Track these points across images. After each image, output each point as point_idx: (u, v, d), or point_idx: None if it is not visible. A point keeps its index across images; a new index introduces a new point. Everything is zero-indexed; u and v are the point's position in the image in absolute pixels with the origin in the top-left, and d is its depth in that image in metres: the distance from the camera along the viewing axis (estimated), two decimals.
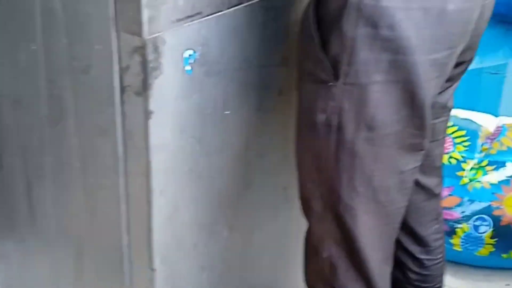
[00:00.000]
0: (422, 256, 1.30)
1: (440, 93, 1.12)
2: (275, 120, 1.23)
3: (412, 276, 1.31)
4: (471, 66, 1.18)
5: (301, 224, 1.27)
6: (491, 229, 1.84)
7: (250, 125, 1.18)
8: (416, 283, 1.32)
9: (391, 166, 1.04)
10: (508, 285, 1.93)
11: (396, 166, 1.04)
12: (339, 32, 0.96)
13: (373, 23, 0.94)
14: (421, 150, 1.05)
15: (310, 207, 1.10)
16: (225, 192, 1.18)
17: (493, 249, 1.85)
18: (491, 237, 1.84)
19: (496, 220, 1.84)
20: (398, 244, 1.26)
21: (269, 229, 1.32)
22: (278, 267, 1.41)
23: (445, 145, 1.33)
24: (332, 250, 1.08)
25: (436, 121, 1.17)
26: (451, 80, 1.13)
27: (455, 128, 1.93)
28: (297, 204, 1.31)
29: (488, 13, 1.09)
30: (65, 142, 1.09)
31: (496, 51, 3.03)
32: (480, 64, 2.51)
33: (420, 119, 1.01)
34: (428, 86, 0.99)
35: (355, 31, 0.95)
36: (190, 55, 1.01)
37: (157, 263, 1.08)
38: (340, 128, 1.00)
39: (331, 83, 0.98)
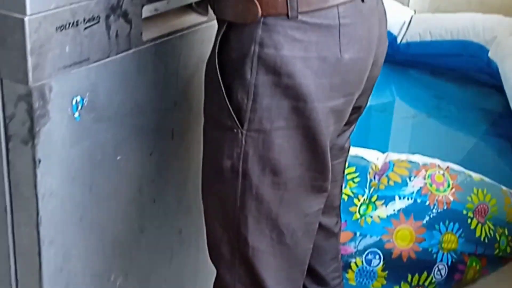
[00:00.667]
0: None
1: (338, 136, 1.16)
2: (168, 164, 1.23)
3: None
4: None
5: (197, 266, 1.27)
6: (382, 263, 1.90)
7: (143, 169, 1.17)
8: None
9: (296, 209, 1.07)
10: None
11: (301, 209, 1.07)
12: (241, 80, 0.98)
13: (274, 71, 0.97)
14: (324, 192, 1.09)
15: (219, 253, 1.10)
16: (118, 238, 1.16)
17: (385, 282, 1.91)
18: (383, 270, 1.90)
19: (387, 253, 1.90)
20: None
21: (165, 273, 1.31)
22: None
23: None
24: None
25: (335, 162, 1.20)
26: (348, 123, 1.17)
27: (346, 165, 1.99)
28: (192, 246, 1.31)
29: (381, 60, 1.14)
30: None
31: (383, 90, 3.17)
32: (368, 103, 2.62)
33: (321, 162, 1.04)
34: (327, 131, 1.03)
35: (256, 78, 0.97)
36: (77, 101, 1.00)
37: None
38: (245, 174, 1.02)
39: (235, 130, 1.00)
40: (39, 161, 0.97)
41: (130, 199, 1.17)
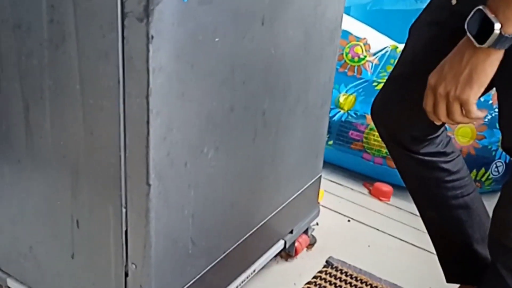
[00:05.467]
0: None
1: None
2: (258, 48, 1.32)
3: None
4: None
5: (276, 148, 1.36)
6: None
7: (236, 53, 1.26)
8: None
9: None
10: None
11: None
12: None
13: None
14: None
15: None
16: (212, 114, 1.26)
17: None
18: None
19: None
20: None
21: (250, 150, 1.43)
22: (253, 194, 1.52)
23: None
24: None
25: None
26: None
27: None
28: (273, 127, 1.40)
29: None
30: (65, 65, 1.16)
31: None
32: None
33: None
34: None
35: None
36: None
37: (152, 178, 1.17)
38: None
39: None
40: (152, 37, 1.06)
41: (224, 79, 1.26)
